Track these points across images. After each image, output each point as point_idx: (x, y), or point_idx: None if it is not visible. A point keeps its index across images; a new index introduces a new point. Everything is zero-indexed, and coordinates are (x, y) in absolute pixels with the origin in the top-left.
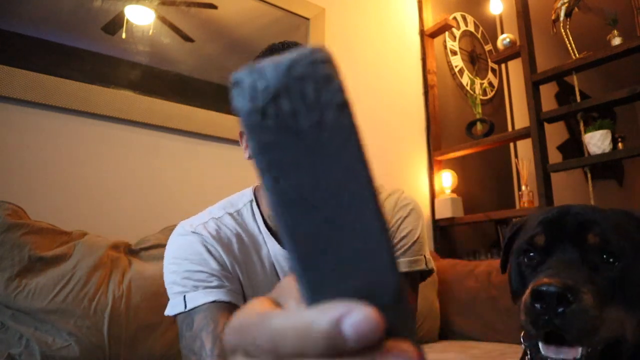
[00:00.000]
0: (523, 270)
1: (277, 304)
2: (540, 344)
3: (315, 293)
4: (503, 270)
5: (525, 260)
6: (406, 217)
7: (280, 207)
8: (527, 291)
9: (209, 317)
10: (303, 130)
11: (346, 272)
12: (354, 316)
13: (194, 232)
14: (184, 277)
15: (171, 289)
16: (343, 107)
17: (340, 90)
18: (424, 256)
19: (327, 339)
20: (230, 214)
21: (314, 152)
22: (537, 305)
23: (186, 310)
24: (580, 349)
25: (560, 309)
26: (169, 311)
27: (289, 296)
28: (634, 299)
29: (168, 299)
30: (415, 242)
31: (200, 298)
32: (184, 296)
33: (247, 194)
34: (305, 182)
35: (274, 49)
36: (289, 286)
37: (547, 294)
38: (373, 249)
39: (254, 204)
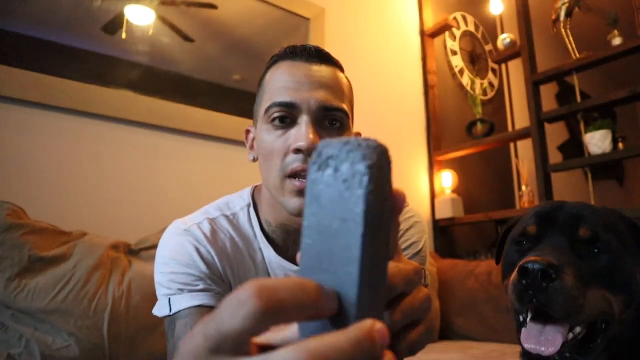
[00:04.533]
0: (513, 255)
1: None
2: (527, 321)
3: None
4: (497, 261)
5: (517, 247)
6: (408, 229)
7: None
8: (515, 269)
9: (190, 323)
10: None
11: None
12: (378, 326)
13: (186, 232)
14: (170, 279)
15: (158, 289)
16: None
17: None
18: (424, 270)
19: (370, 345)
20: (226, 216)
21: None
22: (523, 281)
23: (170, 313)
24: (559, 343)
25: (544, 284)
26: (156, 312)
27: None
28: (617, 285)
29: None
30: (417, 254)
31: (184, 302)
32: (169, 299)
33: (245, 196)
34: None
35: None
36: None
37: (532, 270)
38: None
39: (252, 208)
